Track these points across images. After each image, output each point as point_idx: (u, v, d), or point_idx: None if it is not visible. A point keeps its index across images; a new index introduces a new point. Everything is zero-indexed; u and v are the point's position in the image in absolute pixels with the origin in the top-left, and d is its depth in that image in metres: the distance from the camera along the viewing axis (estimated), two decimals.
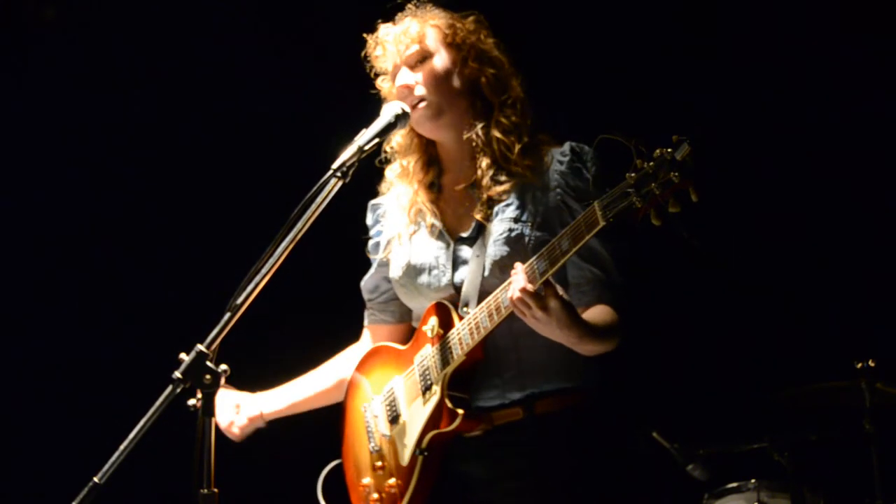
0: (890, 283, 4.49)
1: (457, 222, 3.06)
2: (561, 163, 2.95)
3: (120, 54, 5.07)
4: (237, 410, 3.23)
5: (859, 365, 4.03)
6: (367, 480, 3.12)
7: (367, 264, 3.27)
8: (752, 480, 4.34)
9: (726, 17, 4.60)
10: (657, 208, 2.46)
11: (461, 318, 2.88)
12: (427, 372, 2.94)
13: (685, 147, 2.40)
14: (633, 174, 2.47)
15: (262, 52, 5.08)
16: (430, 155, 3.14)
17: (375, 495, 3.07)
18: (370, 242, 3.25)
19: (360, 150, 2.74)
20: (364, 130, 2.81)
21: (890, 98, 4.46)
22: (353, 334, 3.38)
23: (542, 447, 2.87)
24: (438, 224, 3.06)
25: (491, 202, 2.98)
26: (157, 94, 5.06)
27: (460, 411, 2.84)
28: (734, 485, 4.37)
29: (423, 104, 2.98)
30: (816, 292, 4.56)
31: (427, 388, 2.92)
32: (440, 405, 2.87)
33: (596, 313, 2.83)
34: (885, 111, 4.48)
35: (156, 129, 5.06)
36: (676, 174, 2.40)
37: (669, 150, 2.42)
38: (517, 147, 2.97)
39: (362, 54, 3.13)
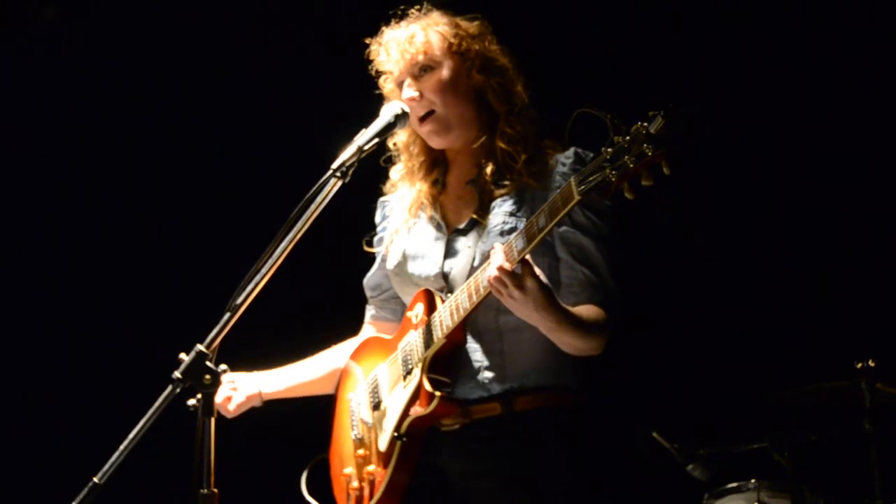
0: (890, 283, 4.49)
1: (455, 216, 3.08)
2: (564, 164, 2.96)
3: (120, 54, 5.07)
4: (234, 387, 3.21)
5: (859, 365, 4.02)
6: (348, 470, 3.12)
7: (366, 261, 3.28)
8: (752, 480, 4.34)
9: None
10: (631, 182, 2.47)
11: (444, 302, 2.89)
12: (409, 356, 2.95)
13: (659, 120, 2.41)
14: (608, 149, 2.49)
15: (262, 51, 5.08)
16: (434, 156, 3.15)
17: (355, 483, 3.07)
18: (375, 238, 3.26)
19: (360, 150, 2.75)
20: (364, 130, 2.82)
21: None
22: (354, 332, 3.38)
23: (519, 446, 2.87)
24: (437, 216, 3.08)
25: (490, 201, 2.99)
26: (157, 94, 5.06)
27: (438, 393, 2.85)
28: (734, 485, 4.37)
29: (431, 118, 2.99)
30: (816, 292, 4.56)
31: (408, 372, 2.94)
32: (419, 388, 2.88)
33: (582, 310, 2.83)
34: (888, 106, 4.48)
35: (155, 129, 5.06)
36: (649, 147, 2.41)
37: (645, 123, 2.43)
38: (522, 157, 2.98)
39: (365, 55, 3.13)
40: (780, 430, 4.26)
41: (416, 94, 2.99)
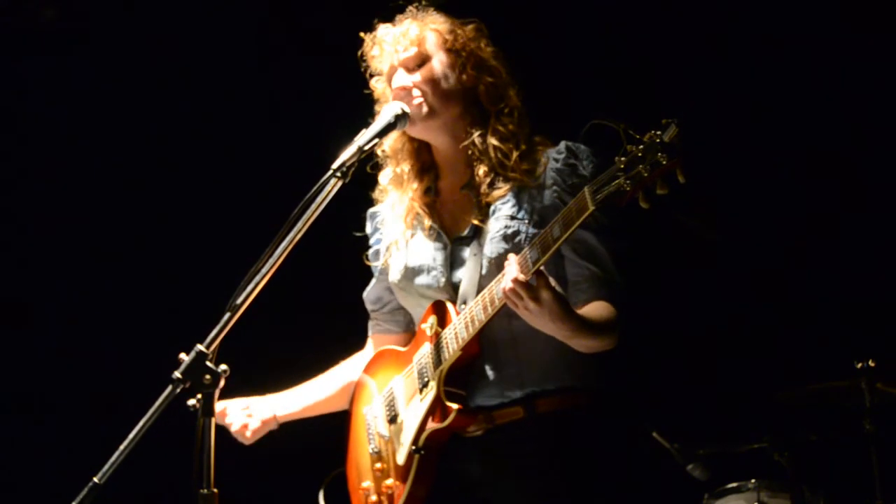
0: (890, 283, 4.49)
1: (454, 224, 3.06)
2: (556, 160, 2.95)
3: (120, 54, 5.07)
4: (249, 413, 3.22)
5: (859, 365, 4.03)
6: (367, 483, 3.12)
7: (366, 274, 3.27)
8: (752, 480, 4.35)
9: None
10: (645, 191, 2.46)
11: (459, 314, 2.88)
12: (424, 369, 2.94)
13: (672, 128, 2.41)
14: (622, 158, 2.48)
15: (262, 51, 5.08)
16: (423, 161, 3.13)
17: (374, 497, 3.07)
18: (370, 251, 3.24)
19: (360, 150, 2.74)
20: (364, 130, 2.81)
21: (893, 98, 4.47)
22: (355, 333, 3.38)
23: (544, 447, 2.86)
24: (436, 226, 3.06)
25: (488, 205, 2.97)
26: (157, 94, 5.06)
27: (454, 406, 2.84)
28: (734, 485, 4.38)
29: (416, 101, 2.97)
30: (816, 292, 4.56)
31: (424, 385, 2.93)
32: (436, 401, 2.88)
33: (592, 309, 2.82)
34: (887, 107, 4.48)
35: (156, 128, 5.06)
36: (663, 155, 2.40)
37: (658, 132, 2.43)
38: (514, 154, 2.96)
39: (359, 53, 3.13)
40: (780, 430, 4.26)
41: (407, 83, 2.98)
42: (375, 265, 3.22)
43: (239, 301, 2.49)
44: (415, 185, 3.11)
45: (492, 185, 2.97)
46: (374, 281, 3.25)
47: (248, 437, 3.21)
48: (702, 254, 4.67)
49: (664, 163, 2.40)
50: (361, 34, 3.11)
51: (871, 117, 4.50)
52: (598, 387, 2.95)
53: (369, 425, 3.15)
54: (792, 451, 4.20)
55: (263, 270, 2.53)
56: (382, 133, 2.86)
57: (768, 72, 4.58)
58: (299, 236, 2.58)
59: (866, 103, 4.49)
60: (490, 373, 2.91)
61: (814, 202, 4.59)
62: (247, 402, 3.23)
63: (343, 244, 3.33)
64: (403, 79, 2.99)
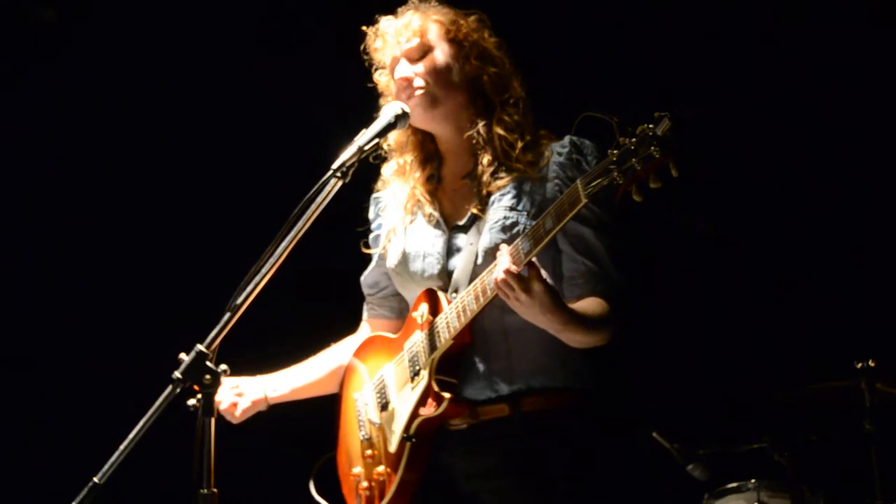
0: (890, 283, 4.49)
1: (454, 212, 3.07)
2: (560, 154, 2.95)
3: (120, 53, 5.07)
4: (239, 392, 3.20)
5: (859, 365, 4.03)
6: (357, 470, 3.12)
7: (362, 257, 3.27)
8: (752, 480, 4.35)
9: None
10: (638, 184, 2.46)
11: (450, 303, 2.89)
12: (416, 357, 2.95)
13: (665, 122, 2.41)
14: (615, 151, 2.48)
15: (261, 51, 5.08)
16: (427, 152, 3.14)
17: (365, 484, 3.07)
18: (371, 236, 3.25)
19: (360, 150, 2.75)
20: (364, 130, 2.82)
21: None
22: (350, 329, 3.38)
23: (527, 446, 2.87)
24: (436, 213, 3.07)
25: (489, 195, 2.98)
26: (158, 94, 5.06)
27: (447, 395, 2.85)
28: (734, 485, 4.38)
29: (419, 92, 2.98)
30: (816, 292, 4.56)
31: (415, 374, 2.93)
32: (427, 389, 2.88)
33: (586, 304, 2.82)
34: (888, 107, 4.48)
35: (156, 128, 5.06)
36: (656, 149, 2.40)
37: (651, 126, 2.42)
38: (519, 145, 2.97)
39: (361, 47, 3.14)
40: (780, 430, 4.26)
41: (410, 74, 2.99)
42: (375, 251, 3.23)
43: (239, 301, 2.50)
44: (417, 174, 3.12)
45: (494, 175, 2.98)
46: (372, 265, 3.26)
47: (237, 416, 3.18)
48: (702, 252, 4.67)
49: (657, 156, 2.40)
50: (364, 28, 3.12)
51: (871, 116, 4.49)
52: (589, 386, 2.94)
53: (360, 412, 3.15)
54: (792, 451, 4.20)
55: (263, 270, 2.53)
56: (382, 133, 2.86)
57: (767, 66, 4.58)
58: (299, 236, 2.59)
59: (866, 102, 4.48)
60: (480, 366, 2.92)
61: (814, 201, 4.59)
62: (237, 381, 3.21)
63: (335, 228, 3.32)
64: (406, 69, 3.00)
